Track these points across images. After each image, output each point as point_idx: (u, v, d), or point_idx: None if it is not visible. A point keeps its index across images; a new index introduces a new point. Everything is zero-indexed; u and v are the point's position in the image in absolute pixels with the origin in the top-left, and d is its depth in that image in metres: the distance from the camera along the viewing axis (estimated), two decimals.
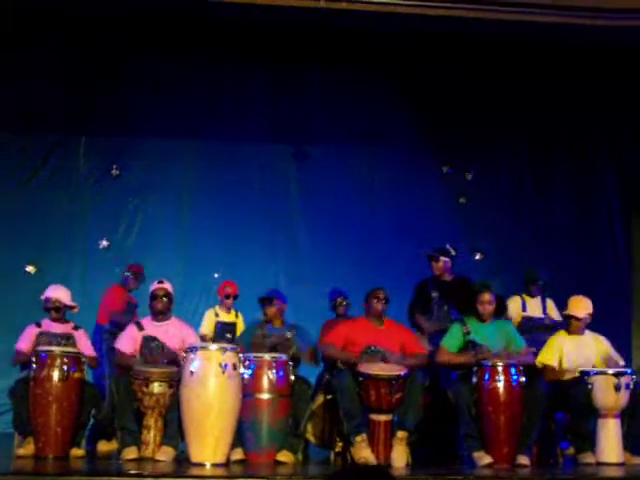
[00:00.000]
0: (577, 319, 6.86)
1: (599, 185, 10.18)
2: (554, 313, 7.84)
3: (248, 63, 9.28)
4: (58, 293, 6.81)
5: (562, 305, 7.49)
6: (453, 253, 7.68)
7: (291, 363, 6.37)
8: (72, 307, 6.88)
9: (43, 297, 6.82)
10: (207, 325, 7.80)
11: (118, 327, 7.35)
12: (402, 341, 6.53)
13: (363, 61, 9.19)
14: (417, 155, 9.90)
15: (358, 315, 7.04)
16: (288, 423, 6.24)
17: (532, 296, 7.84)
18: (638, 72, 9.00)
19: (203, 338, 7.49)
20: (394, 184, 9.80)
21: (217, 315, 7.90)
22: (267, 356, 6.35)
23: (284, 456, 6.14)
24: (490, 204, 9.99)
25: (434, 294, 7.42)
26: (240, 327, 7.85)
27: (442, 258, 7.59)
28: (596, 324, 7.07)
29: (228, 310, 7.94)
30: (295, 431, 6.26)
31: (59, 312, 6.77)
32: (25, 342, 6.64)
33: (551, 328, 7.39)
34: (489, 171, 10.10)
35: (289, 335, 6.75)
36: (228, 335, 7.73)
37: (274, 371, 6.26)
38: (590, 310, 6.92)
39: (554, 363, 6.82)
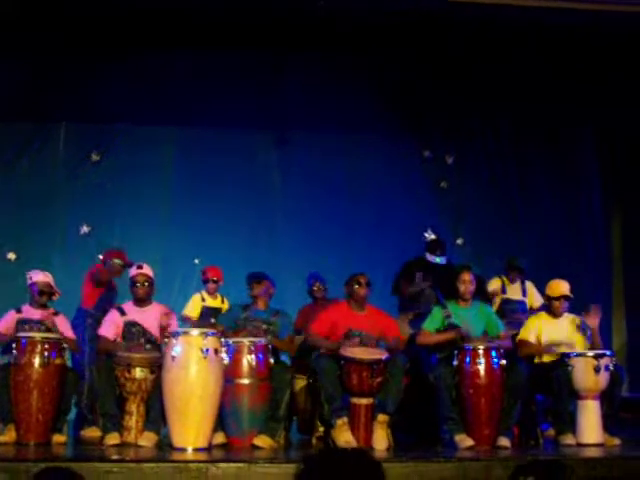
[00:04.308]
0: (566, 298, 6.82)
1: (581, 173, 10.19)
2: (535, 296, 7.88)
3: (230, 50, 9.22)
4: (46, 278, 6.79)
5: (542, 293, 7.53)
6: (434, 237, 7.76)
7: (270, 346, 6.38)
8: (56, 292, 6.87)
9: (30, 282, 6.78)
10: (191, 308, 7.76)
11: (99, 284, 7.31)
12: (382, 327, 6.55)
13: (344, 49, 9.14)
14: (397, 139, 9.89)
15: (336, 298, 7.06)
16: (268, 407, 6.24)
17: (512, 281, 7.91)
18: (627, 68, 9.01)
19: (185, 319, 7.48)
20: (375, 169, 9.79)
21: (204, 300, 7.87)
22: (246, 340, 6.33)
23: (261, 440, 6.13)
24: (471, 188, 10.00)
25: (418, 275, 7.47)
26: None
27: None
28: (578, 308, 7.11)
29: (214, 295, 7.90)
30: (275, 415, 6.25)
31: (47, 296, 6.75)
32: (2, 325, 6.61)
33: None
34: (470, 155, 10.10)
35: (273, 320, 6.73)
36: (213, 320, 7.70)
37: (253, 355, 6.26)
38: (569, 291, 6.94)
39: (531, 341, 6.86)
